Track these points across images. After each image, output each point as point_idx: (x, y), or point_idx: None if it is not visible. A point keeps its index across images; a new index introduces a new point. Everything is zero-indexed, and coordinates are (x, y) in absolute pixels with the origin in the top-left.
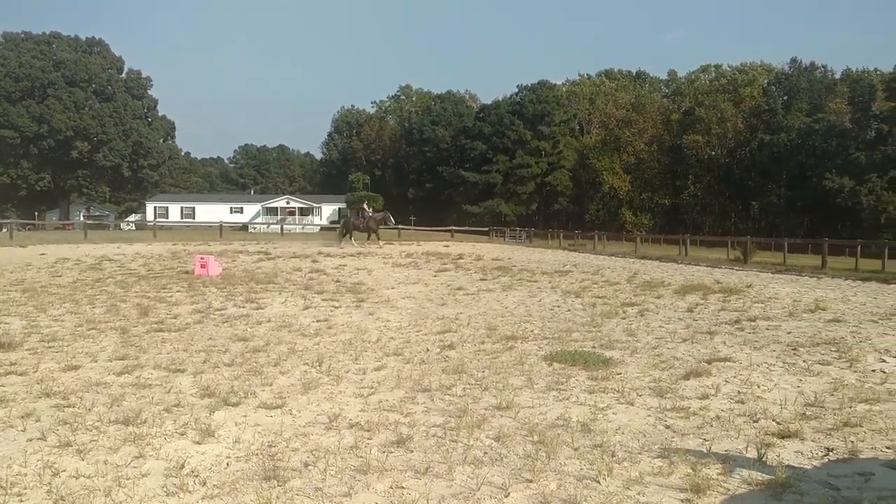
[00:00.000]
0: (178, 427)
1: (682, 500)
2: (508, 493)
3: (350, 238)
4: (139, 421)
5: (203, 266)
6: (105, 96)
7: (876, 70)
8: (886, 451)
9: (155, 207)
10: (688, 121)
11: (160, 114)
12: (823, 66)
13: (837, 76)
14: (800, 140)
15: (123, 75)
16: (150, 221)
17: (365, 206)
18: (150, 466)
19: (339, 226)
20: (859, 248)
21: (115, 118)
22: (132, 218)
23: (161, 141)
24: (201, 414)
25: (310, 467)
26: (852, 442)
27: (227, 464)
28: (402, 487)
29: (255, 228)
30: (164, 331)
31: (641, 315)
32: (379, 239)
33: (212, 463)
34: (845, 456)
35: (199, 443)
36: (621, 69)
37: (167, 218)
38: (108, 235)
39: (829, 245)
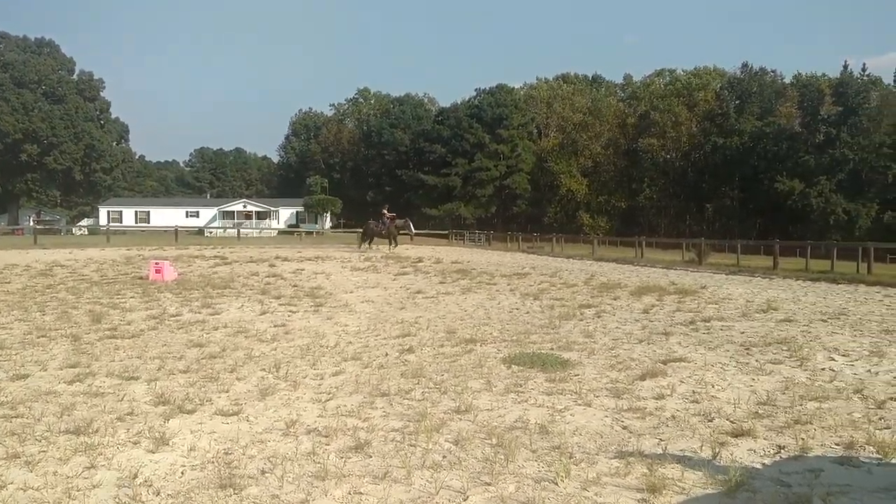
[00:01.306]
0: (132, 436)
1: (638, 501)
2: (467, 497)
3: (369, 244)
4: (91, 430)
5: (158, 271)
6: (55, 98)
7: (824, 75)
8: (835, 447)
9: (108, 212)
10: (643, 124)
11: (113, 116)
12: (773, 71)
13: (787, 81)
14: (752, 143)
15: (75, 77)
16: (103, 226)
17: (385, 210)
18: (102, 477)
19: (359, 232)
20: (809, 249)
21: (65, 120)
22: (85, 223)
23: (114, 144)
24: (155, 422)
25: (267, 474)
26: (803, 439)
27: (182, 472)
28: (361, 493)
29: (211, 233)
30: (117, 337)
31: (598, 317)
32: (391, 245)
33: (166, 472)
34: (796, 453)
35: (152, 451)
36: (578, 73)
37: (121, 222)
38: (60, 241)
39: (780, 246)
